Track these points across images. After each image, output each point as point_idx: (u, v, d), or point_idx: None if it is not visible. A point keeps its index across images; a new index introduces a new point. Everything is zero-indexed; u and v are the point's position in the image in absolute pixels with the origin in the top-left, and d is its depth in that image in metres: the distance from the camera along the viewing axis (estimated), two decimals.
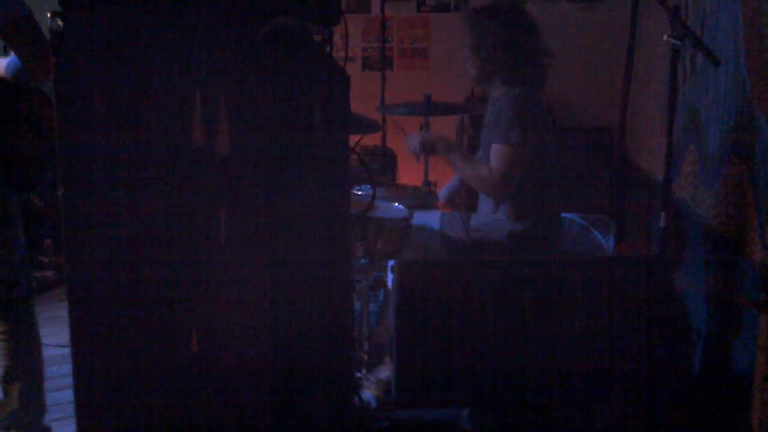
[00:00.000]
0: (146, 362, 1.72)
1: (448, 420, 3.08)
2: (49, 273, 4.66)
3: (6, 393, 2.55)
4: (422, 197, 3.45)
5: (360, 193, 3.14)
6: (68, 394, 3.21)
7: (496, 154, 2.90)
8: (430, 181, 3.71)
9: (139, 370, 1.74)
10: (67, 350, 3.46)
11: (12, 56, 2.33)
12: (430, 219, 3.23)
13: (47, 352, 2.77)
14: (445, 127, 5.26)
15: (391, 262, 3.21)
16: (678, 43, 2.42)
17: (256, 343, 1.73)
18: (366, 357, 3.03)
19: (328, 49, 2.07)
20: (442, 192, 3.51)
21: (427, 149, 3.15)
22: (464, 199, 4.07)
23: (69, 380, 3.33)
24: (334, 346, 1.99)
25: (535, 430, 2.56)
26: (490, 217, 3.06)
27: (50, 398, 2.66)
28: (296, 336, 1.78)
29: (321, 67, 1.96)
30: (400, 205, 3.09)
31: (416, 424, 2.99)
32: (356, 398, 2.60)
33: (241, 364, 1.72)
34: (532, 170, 2.94)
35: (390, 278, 3.26)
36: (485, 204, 3.13)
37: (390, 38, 5.44)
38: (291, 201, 1.75)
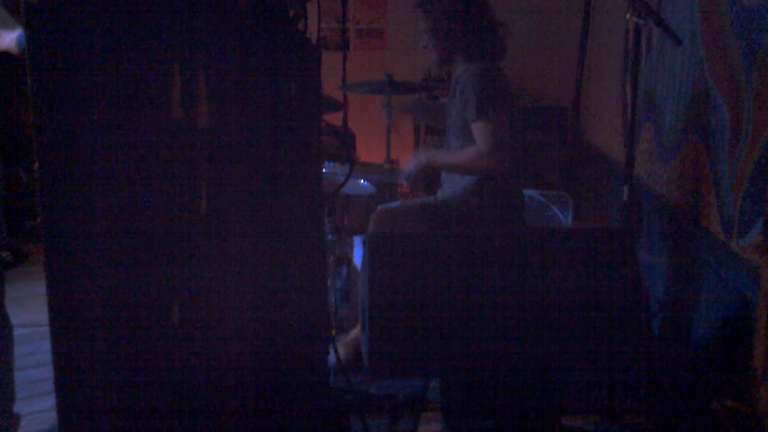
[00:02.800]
0: (128, 336, 1.72)
1: (415, 393, 3.13)
2: (5, 253, 4.59)
3: None
4: (385, 175, 3.49)
5: (324, 170, 3.16)
6: (32, 374, 3.23)
7: (478, 131, 2.93)
8: (392, 159, 3.75)
9: (120, 345, 1.74)
10: (28, 330, 3.48)
11: (18, 31, 2.29)
12: (392, 204, 3.27)
13: None
14: (407, 101, 5.28)
15: (356, 238, 3.25)
16: (640, 21, 2.48)
17: (238, 314, 1.74)
18: (333, 332, 3.06)
19: (301, 25, 2.08)
20: (408, 168, 3.53)
21: (423, 170, 3.17)
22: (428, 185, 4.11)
23: (31, 359, 3.37)
24: (312, 317, 2.02)
25: (502, 400, 2.62)
26: (455, 191, 3.10)
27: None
28: (279, 305, 1.80)
29: (295, 42, 1.98)
30: (365, 182, 3.12)
31: (387, 396, 3.04)
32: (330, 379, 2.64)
33: (223, 335, 1.74)
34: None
35: (356, 254, 3.30)
36: (449, 180, 3.18)
37: (350, 18, 5.44)
38: (270, 174, 1.76)
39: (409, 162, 3.20)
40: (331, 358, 2.81)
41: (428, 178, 3.16)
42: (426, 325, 2.42)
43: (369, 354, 2.47)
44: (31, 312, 3.82)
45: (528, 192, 3.65)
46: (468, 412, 2.65)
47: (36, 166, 1.69)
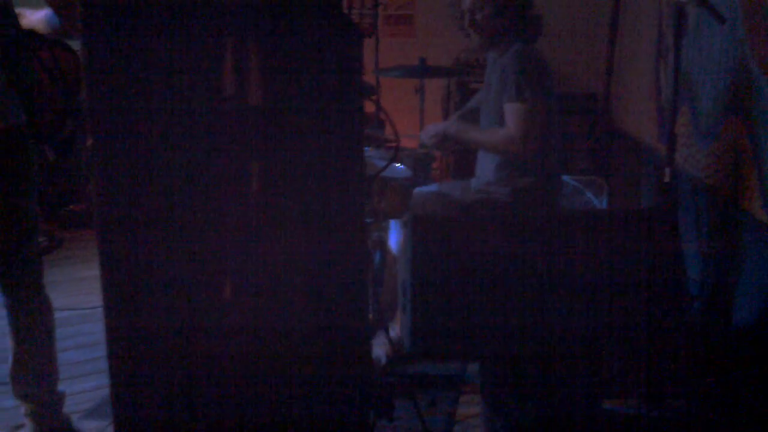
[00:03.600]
0: (180, 312, 1.74)
1: (454, 375, 3.14)
2: (42, 239, 4.63)
3: (21, 365, 2.55)
4: (420, 159, 3.48)
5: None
6: (71, 356, 3.27)
7: (511, 113, 2.93)
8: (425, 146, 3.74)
9: (172, 321, 1.75)
10: (67, 313, 3.52)
11: (48, 10, 2.31)
12: (429, 188, 3.27)
13: None
14: (437, 89, 5.27)
15: (392, 222, 3.25)
16: (683, 0, 2.46)
17: (288, 291, 1.75)
18: (369, 317, 3.07)
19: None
20: (425, 132, 3.49)
21: (443, 138, 3.18)
22: (460, 164, 4.12)
23: (70, 342, 3.41)
24: (357, 296, 2.03)
25: (543, 383, 2.62)
26: (492, 176, 3.10)
27: None
28: (326, 282, 1.81)
29: (341, 23, 1.97)
30: (402, 166, 3.12)
31: (423, 377, 3.05)
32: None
33: (273, 311, 1.75)
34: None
35: (392, 238, 3.30)
36: (486, 165, 3.17)
37: (378, 4, 5.43)
38: (319, 154, 1.76)
39: (435, 126, 3.20)
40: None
41: (444, 144, 3.17)
42: (467, 307, 2.43)
43: (411, 335, 2.48)
44: (68, 296, 3.86)
45: (563, 177, 3.63)
46: (508, 394, 2.65)
47: (89, 143, 1.71)
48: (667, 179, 2.55)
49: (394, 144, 3.67)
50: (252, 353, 1.77)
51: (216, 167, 1.69)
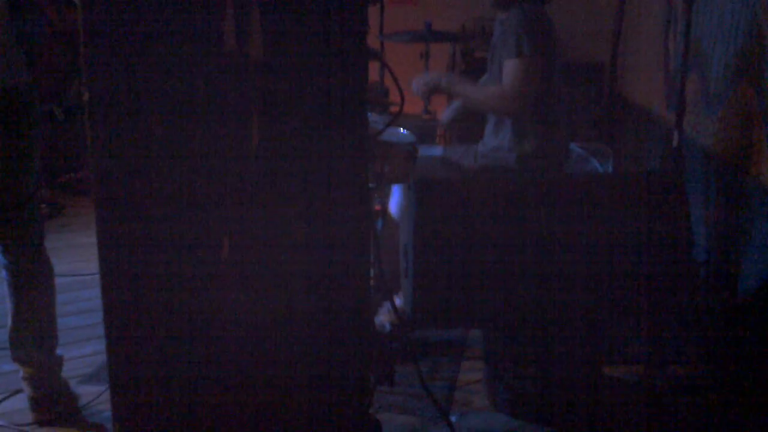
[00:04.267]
0: (177, 273, 1.71)
1: (456, 341, 3.12)
2: (42, 206, 4.59)
3: (20, 327, 2.53)
4: (424, 125, 3.44)
5: None
6: (71, 321, 3.25)
7: (508, 69, 2.88)
8: (430, 110, 3.70)
9: (170, 282, 1.72)
10: (67, 279, 3.50)
11: None
12: (433, 151, 3.22)
13: None
14: (443, 54, 5.19)
15: (394, 187, 3.21)
16: None
17: (288, 252, 1.72)
18: (371, 284, 3.04)
19: None
20: (444, 114, 3.48)
21: (433, 88, 3.14)
22: (465, 130, 4.06)
23: (70, 308, 3.40)
24: (358, 261, 1.99)
25: (545, 349, 2.60)
26: (498, 142, 3.05)
27: None
28: (327, 245, 1.77)
29: None
30: (405, 131, 3.07)
31: (425, 343, 3.03)
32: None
33: (273, 272, 1.71)
34: (542, 85, 2.92)
35: (392, 203, 3.26)
36: (492, 130, 3.12)
37: None
38: (321, 112, 1.72)
39: (429, 76, 3.16)
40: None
41: (431, 95, 3.14)
42: (470, 272, 2.39)
43: (412, 301, 2.45)
44: (68, 262, 3.84)
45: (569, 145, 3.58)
46: (510, 361, 2.63)
47: (85, 97, 1.67)
48: (675, 143, 2.51)
49: (398, 104, 3.63)
50: (250, 318, 1.74)
51: (216, 123, 1.65)
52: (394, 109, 3.54)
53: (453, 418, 2.53)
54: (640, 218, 2.37)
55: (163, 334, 1.77)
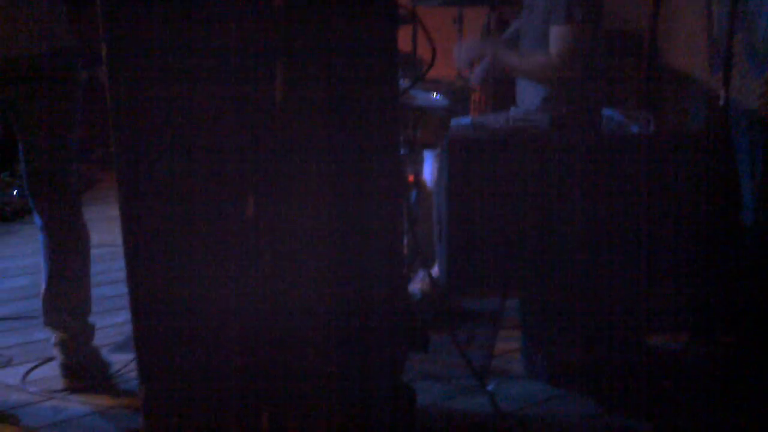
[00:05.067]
0: (203, 232, 1.66)
1: (493, 310, 3.05)
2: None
3: (55, 292, 2.51)
4: (458, 91, 3.35)
5: None
6: (105, 290, 3.24)
7: (557, 36, 2.78)
8: (463, 75, 3.61)
9: (195, 242, 1.67)
10: (101, 250, 3.49)
11: None
12: (465, 119, 3.14)
13: None
14: (477, 19, 5.06)
15: (426, 153, 3.13)
16: None
17: (314, 209, 1.65)
18: (405, 251, 2.98)
19: None
20: (475, 74, 3.38)
21: (477, 56, 3.05)
22: (500, 99, 3.96)
23: (104, 277, 3.39)
24: (390, 223, 1.93)
25: (583, 318, 2.52)
26: (531, 104, 2.96)
27: None
28: (356, 203, 1.71)
29: None
30: (438, 96, 2.99)
31: (461, 313, 2.96)
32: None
33: (298, 231, 1.65)
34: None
35: (426, 169, 3.19)
36: (527, 93, 3.03)
37: None
38: (348, 63, 1.65)
39: (473, 42, 3.07)
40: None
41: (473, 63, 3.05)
42: (506, 237, 2.32)
43: (447, 267, 2.39)
44: (101, 233, 3.82)
45: (607, 112, 3.47)
46: (548, 329, 2.55)
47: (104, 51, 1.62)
48: (721, 102, 2.40)
49: (432, 78, 3.55)
50: (277, 279, 1.68)
51: (238, 73, 1.59)
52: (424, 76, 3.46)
53: (490, 387, 2.47)
54: (685, 180, 2.28)
55: (187, 299, 1.73)
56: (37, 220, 2.49)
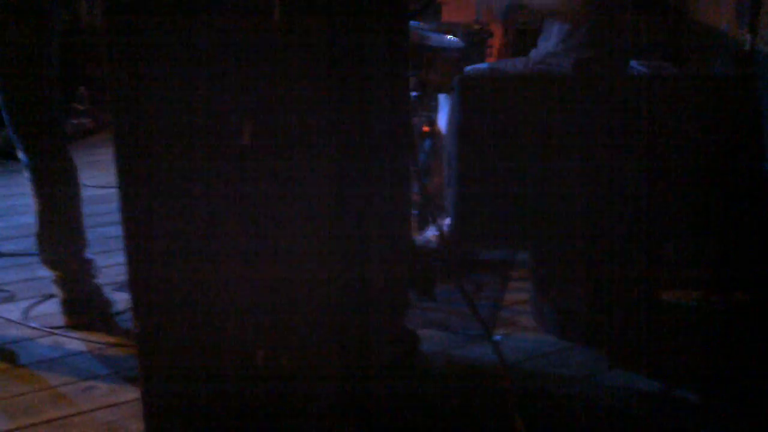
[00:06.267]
0: (199, 160, 1.59)
1: (502, 260, 2.98)
2: (86, 120, 4.57)
3: (46, 227, 2.47)
4: (475, 35, 3.25)
5: None
6: (108, 230, 3.21)
7: None
8: (480, 20, 3.50)
9: (192, 172, 1.61)
10: (107, 191, 3.45)
11: None
12: (482, 65, 3.04)
13: (87, 192, 2.72)
14: None
15: (441, 97, 3.04)
16: None
17: (313, 137, 1.58)
18: (415, 198, 2.91)
19: None
20: (498, 7, 3.26)
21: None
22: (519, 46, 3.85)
23: (108, 218, 3.34)
24: (395, 173, 1.86)
25: (593, 269, 2.44)
26: (553, 47, 2.86)
27: (92, 233, 2.61)
28: (358, 136, 1.64)
29: None
30: (454, 38, 2.90)
31: (470, 262, 2.90)
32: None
33: (297, 158, 1.58)
34: None
35: (441, 119, 3.10)
36: (549, 35, 2.92)
37: None
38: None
39: None
40: None
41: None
42: (518, 182, 2.24)
43: (456, 214, 2.31)
44: (108, 175, 3.79)
45: (631, 63, 3.36)
46: (558, 278, 2.49)
47: None
48: (747, 47, 2.29)
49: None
50: (274, 212, 1.62)
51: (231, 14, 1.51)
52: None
53: (497, 338, 2.41)
54: (707, 126, 2.18)
55: (181, 239, 1.67)
56: (22, 157, 2.43)
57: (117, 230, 3.19)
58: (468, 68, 2.95)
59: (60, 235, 2.47)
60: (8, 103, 2.35)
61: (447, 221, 2.80)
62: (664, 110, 2.15)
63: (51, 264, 2.48)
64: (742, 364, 2.26)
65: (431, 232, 2.89)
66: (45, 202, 2.43)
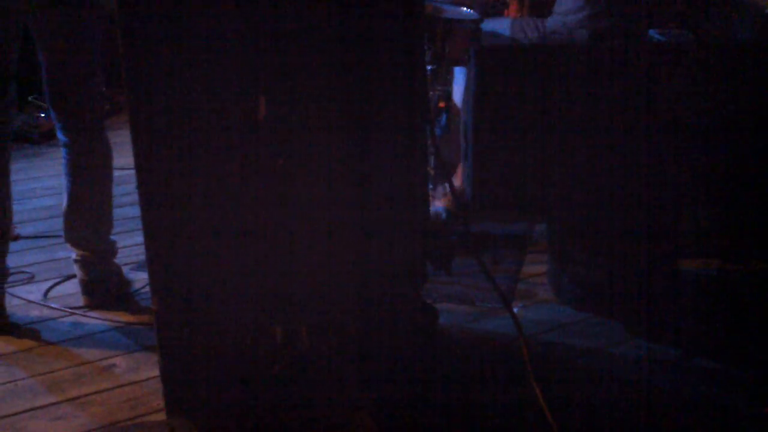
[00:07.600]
0: (211, 132, 1.59)
1: (520, 234, 2.97)
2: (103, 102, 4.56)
3: (76, 208, 2.49)
4: (490, 6, 3.22)
5: None
6: (127, 211, 3.22)
7: None
8: None
9: (203, 144, 1.61)
10: (125, 172, 3.46)
11: None
12: (499, 25, 3.00)
13: None
14: None
15: (457, 70, 3.01)
16: None
17: (325, 113, 1.57)
18: (432, 172, 2.89)
19: None
20: None
21: None
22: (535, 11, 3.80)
23: (128, 198, 3.36)
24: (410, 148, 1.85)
25: (611, 239, 2.43)
26: (570, 16, 2.82)
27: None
28: (370, 107, 1.63)
29: None
30: (470, 10, 2.87)
31: (487, 236, 2.89)
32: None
33: (310, 133, 1.58)
34: None
35: (456, 93, 3.08)
36: (565, 4, 2.88)
37: None
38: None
39: None
40: None
41: None
42: (535, 154, 2.22)
43: (472, 185, 2.30)
44: (127, 156, 3.78)
45: (648, 31, 3.31)
46: (576, 249, 2.47)
47: None
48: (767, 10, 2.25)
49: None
50: (294, 200, 1.62)
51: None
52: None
53: (515, 310, 2.41)
54: (727, 94, 2.15)
55: (198, 218, 1.68)
56: (60, 136, 2.46)
57: (134, 211, 3.23)
58: (487, 21, 2.88)
59: (90, 215, 2.48)
60: (51, 79, 2.37)
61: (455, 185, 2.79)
62: (683, 79, 2.12)
63: (76, 243, 2.49)
64: (761, 332, 2.25)
65: (442, 201, 2.88)
66: (78, 182, 2.45)
